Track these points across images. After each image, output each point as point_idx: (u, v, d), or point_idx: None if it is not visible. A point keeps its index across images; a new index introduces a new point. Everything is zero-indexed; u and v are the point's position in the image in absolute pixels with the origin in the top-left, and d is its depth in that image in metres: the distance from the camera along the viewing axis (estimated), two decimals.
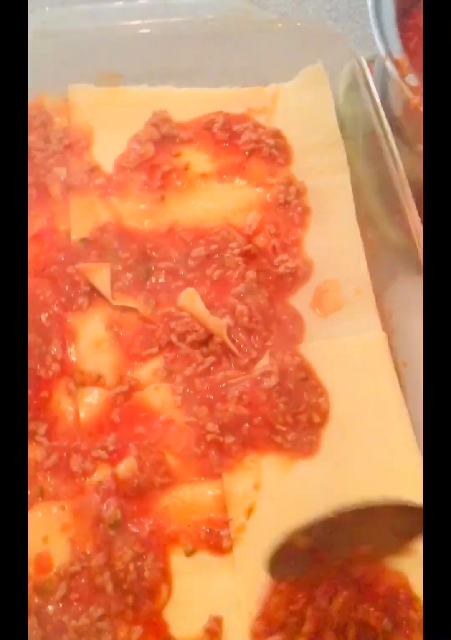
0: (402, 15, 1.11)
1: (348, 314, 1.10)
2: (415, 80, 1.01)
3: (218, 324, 1.04)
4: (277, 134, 1.24)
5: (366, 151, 1.20)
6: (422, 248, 1.03)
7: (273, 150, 1.23)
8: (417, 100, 0.99)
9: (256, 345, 1.06)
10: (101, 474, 0.96)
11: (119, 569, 0.89)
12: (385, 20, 1.07)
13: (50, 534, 0.92)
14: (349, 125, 1.25)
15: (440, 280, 0.74)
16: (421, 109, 0.99)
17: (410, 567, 0.90)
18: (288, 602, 0.87)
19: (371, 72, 1.22)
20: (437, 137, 0.76)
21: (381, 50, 1.04)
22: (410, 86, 1.01)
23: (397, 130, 1.13)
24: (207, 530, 0.93)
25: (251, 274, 1.10)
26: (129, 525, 0.92)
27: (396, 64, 1.03)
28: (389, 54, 1.03)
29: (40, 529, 0.92)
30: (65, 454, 0.97)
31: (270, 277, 1.12)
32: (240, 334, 1.06)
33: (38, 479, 0.95)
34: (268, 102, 1.29)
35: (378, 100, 1.15)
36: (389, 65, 1.02)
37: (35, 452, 0.97)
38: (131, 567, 0.89)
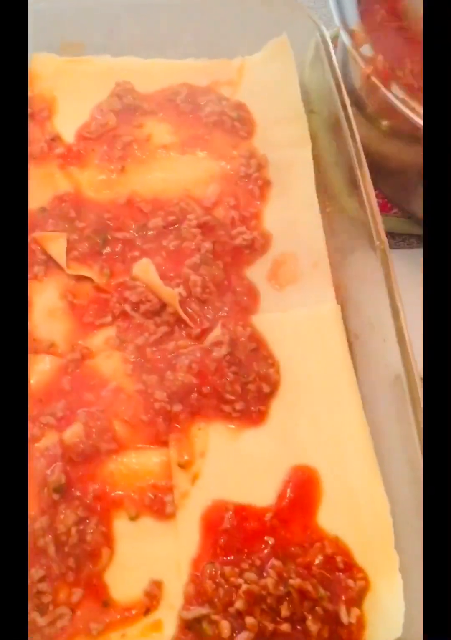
0: None
1: (304, 287, 1.11)
2: (369, 50, 1.01)
3: (170, 294, 1.05)
4: (240, 107, 1.24)
5: (328, 125, 1.19)
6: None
7: (235, 123, 1.23)
8: (369, 70, 0.99)
9: (208, 316, 1.06)
10: (48, 440, 0.96)
11: (61, 532, 0.90)
12: None
13: None
14: (314, 99, 1.25)
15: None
16: (373, 79, 0.99)
17: (352, 534, 0.92)
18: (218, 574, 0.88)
19: (336, 46, 1.22)
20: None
21: (337, 20, 1.03)
22: (363, 56, 1.00)
23: (356, 103, 1.13)
24: (152, 496, 0.94)
25: (206, 245, 1.10)
26: (73, 490, 0.93)
27: (352, 34, 1.02)
28: (344, 24, 1.03)
29: None
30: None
31: (227, 249, 1.12)
32: (193, 305, 1.06)
33: None
34: (234, 75, 1.29)
35: (338, 73, 1.14)
36: (343, 35, 1.02)
37: None
38: (73, 530, 0.90)
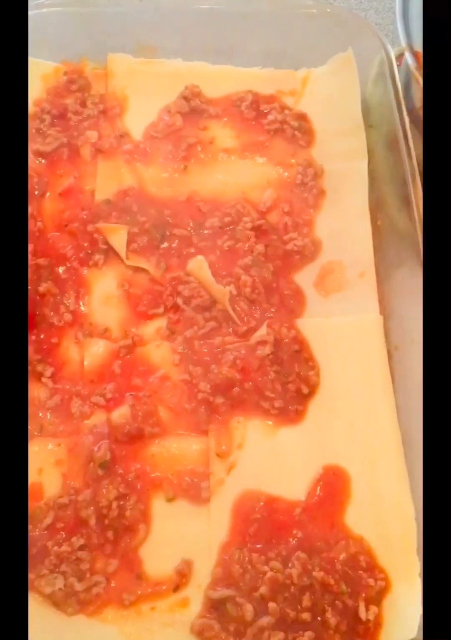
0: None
1: (349, 296, 1.15)
2: None
3: (221, 291, 1.10)
4: (302, 117, 1.29)
5: (386, 140, 1.23)
6: (422, 240, 1.06)
7: (296, 132, 1.27)
8: None
9: (256, 316, 1.11)
10: (97, 418, 1.03)
11: (103, 505, 0.96)
12: (411, 13, 1.10)
13: (45, 467, 1.00)
14: (374, 114, 1.28)
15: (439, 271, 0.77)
16: None
17: (376, 536, 0.95)
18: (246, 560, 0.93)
19: (401, 65, 1.25)
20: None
21: (403, 40, 1.06)
22: None
23: (415, 121, 1.16)
24: (189, 480, 0.99)
25: (259, 248, 1.15)
26: (117, 467, 0.99)
27: (416, 55, 1.05)
28: (409, 45, 1.06)
29: (36, 462, 1.00)
30: (66, 397, 1.05)
31: (278, 253, 1.17)
32: (242, 304, 1.11)
33: (39, 416, 1.03)
34: (298, 85, 1.33)
35: (400, 91, 1.17)
36: (408, 55, 1.05)
37: (39, 392, 1.05)
38: (114, 505, 0.96)
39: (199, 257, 1.14)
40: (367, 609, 0.90)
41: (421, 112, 1.16)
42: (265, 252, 1.15)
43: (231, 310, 1.10)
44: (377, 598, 0.93)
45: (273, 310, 1.12)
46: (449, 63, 0.81)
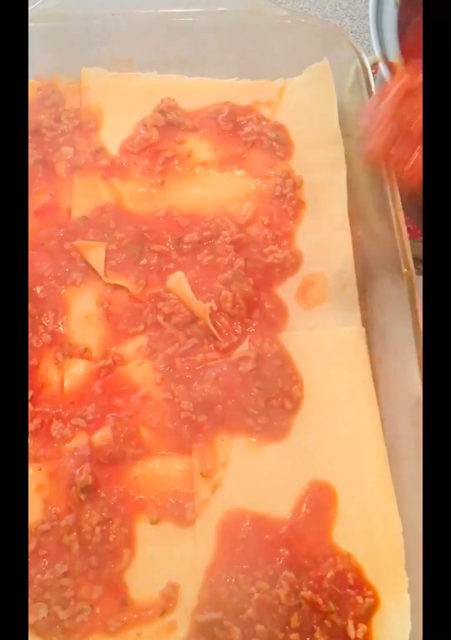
0: (418, 12, 1.12)
1: (331, 308, 1.13)
2: None
3: (201, 307, 1.09)
4: (279, 128, 1.28)
5: None
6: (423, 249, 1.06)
7: (273, 143, 1.26)
8: None
9: (237, 331, 1.10)
10: (78, 441, 1.01)
11: (85, 530, 0.94)
12: (385, 22, 1.09)
13: None
14: (351, 123, 1.27)
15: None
16: None
17: (364, 552, 0.94)
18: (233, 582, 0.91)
19: (377, 73, 1.24)
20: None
21: (376, 51, 1.06)
22: None
23: None
24: (173, 502, 0.98)
25: (239, 262, 1.14)
26: (99, 491, 0.98)
27: (390, 66, 1.05)
28: (383, 55, 1.05)
29: None
30: (47, 420, 1.03)
31: (259, 266, 1.15)
32: (223, 319, 1.10)
33: None
34: (275, 96, 1.32)
35: None
36: (382, 67, 1.05)
37: None
38: (97, 530, 0.94)
39: (179, 273, 1.13)
40: (356, 628, 0.89)
41: None
42: (245, 266, 1.14)
43: (212, 327, 1.08)
44: (366, 615, 0.91)
45: (254, 324, 1.11)
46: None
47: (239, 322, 1.10)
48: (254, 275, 1.14)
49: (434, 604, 0.69)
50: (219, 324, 1.10)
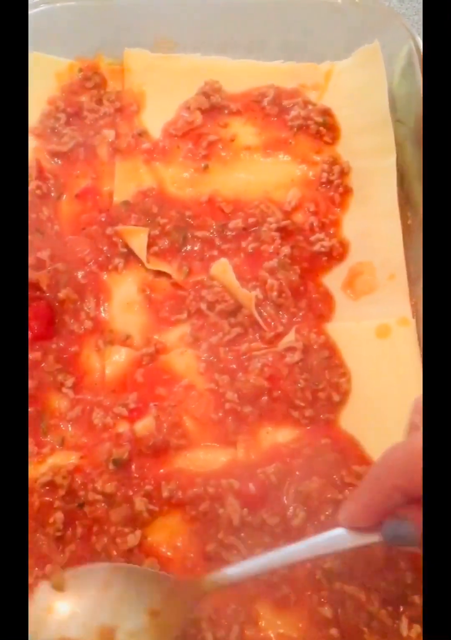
0: None
1: (380, 298, 1.10)
2: None
3: (247, 296, 1.06)
4: (326, 112, 1.24)
5: (415, 135, 1.18)
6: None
7: (320, 128, 1.23)
8: None
9: (283, 321, 1.06)
10: (121, 429, 0.98)
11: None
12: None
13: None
14: (402, 108, 1.23)
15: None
16: None
17: None
18: None
19: None
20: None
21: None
22: None
23: None
24: None
25: (285, 250, 1.11)
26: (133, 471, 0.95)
27: None
28: None
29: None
30: (88, 408, 1.01)
31: (305, 255, 1.12)
32: (268, 308, 1.07)
33: (60, 428, 0.99)
34: (321, 80, 1.29)
35: None
36: None
37: (60, 402, 1.01)
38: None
39: (223, 260, 1.10)
40: None
41: None
42: (291, 254, 1.11)
43: (258, 316, 1.05)
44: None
45: (300, 314, 1.07)
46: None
47: (284, 312, 1.07)
48: (300, 264, 1.11)
49: (434, 604, 0.66)
50: (264, 313, 1.07)
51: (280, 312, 1.07)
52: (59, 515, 0.91)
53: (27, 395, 0.97)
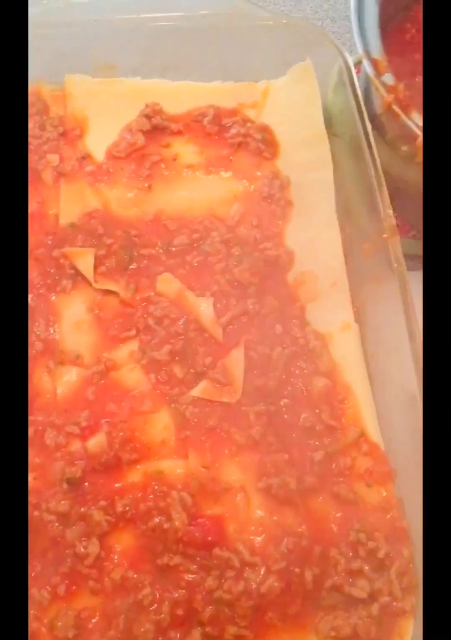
0: (400, 9, 1.12)
1: (323, 305, 1.14)
2: (391, 79, 1.04)
3: (195, 302, 1.09)
4: (265, 129, 1.28)
5: (350, 148, 1.22)
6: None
7: (260, 145, 1.26)
8: (390, 98, 1.02)
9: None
10: (73, 448, 1.00)
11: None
12: (367, 19, 1.10)
13: None
14: (336, 123, 1.28)
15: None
16: (394, 107, 1.02)
17: None
18: None
19: (359, 73, 1.25)
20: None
21: (359, 48, 1.06)
22: (385, 85, 1.03)
23: (378, 128, 1.16)
24: None
25: (235, 251, 1.14)
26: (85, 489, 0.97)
27: (374, 63, 1.05)
28: (367, 52, 1.06)
29: None
30: (40, 428, 1.02)
31: (257, 262, 1.14)
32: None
33: None
34: (259, 98, 1.32)
35: (361, 98, 1.17)
36: (366, 63, 1.05)
37: None
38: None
39: (167, 274, 1.12)
40: None
41: (382, 119, 1.16)
42: (241, 258, 1.14)
43: (208, 321, 1.08)
44: None
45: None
46: None
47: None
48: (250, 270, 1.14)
49: (434, 604, 0.69)
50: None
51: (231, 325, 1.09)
52: None
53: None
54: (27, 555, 0.82)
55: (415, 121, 1.05)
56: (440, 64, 0.82)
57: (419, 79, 1.10)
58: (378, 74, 1.05)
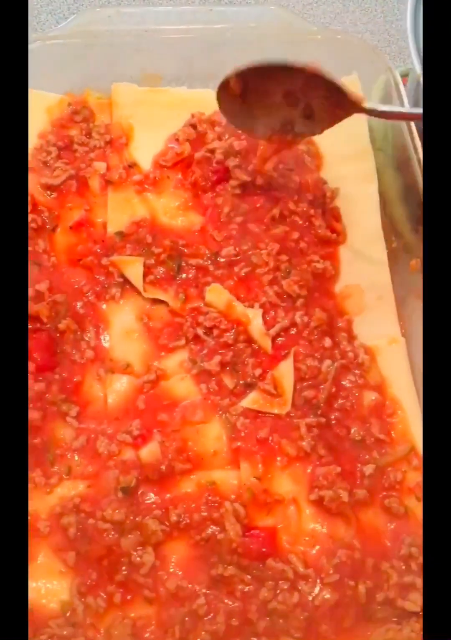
0: None
1: (369, 319, 1.15)
2: None
3: (244, 313, 1.10)
4: (310, 141, 1.29)
5: (395, 162, 1.24)
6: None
7: (305, 156, 1.27)
8: None
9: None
10: (126, 456, 1.00)
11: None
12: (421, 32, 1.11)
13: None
14: (380, 137, 1.29)
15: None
16: None
17: None
18: None
19: (405, 85, 1.26)
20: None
21: (417, 67, 1.07)
22: None
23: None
24: None
25: (283, 258, 1.15)
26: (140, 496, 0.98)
27: None
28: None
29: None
30: (93, 436, 1.02)
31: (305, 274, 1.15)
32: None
33: (66, 458, 1.01)
34: None
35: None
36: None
37: (65, 432, 1.03)
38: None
39: (216, 285, 1.13)
40: None
41: None
42: (288, 270, 1.15)
43: (258, 333, 1.09)
44: None
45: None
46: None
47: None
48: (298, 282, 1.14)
49: (434, 604, 0.69)
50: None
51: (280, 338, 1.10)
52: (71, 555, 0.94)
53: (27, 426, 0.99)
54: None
55: None
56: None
57: None
58: None
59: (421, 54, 1.08)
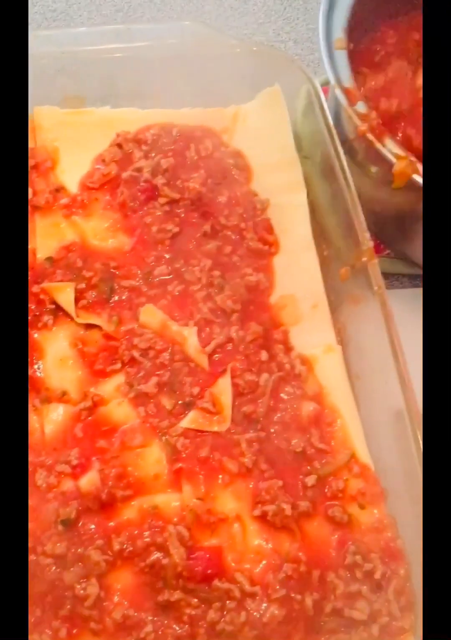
0: (368, 31, 1.14)
1: (306, 328, 1.15)
2: (363, 107, 1.06)
3: (179, 332, 1.09)
4: (238, 154, 1.29)
5: (322, 171, 1.24)
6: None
7: (233, 170, 1.27)
8: (365, 127, 1.04)
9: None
10: (65, 487, 0.99)
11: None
12: (336, 50, 1.12)
13: None
14: (307, 146, 1.30)
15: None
16: (368, 135, 1.04)
17: None
18: None
19: (327, 94, 1.27)
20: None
21: (331, 79, 1.08)
22: (357, 113, 1.05)
23: (349, 151, 1.18)
24: None
25: (216, 273, 1.15)
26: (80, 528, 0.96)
27: (346, 92, 1.07)
28: (339, 82, 1.08)
29: None
30: (31, 470, 1.00)
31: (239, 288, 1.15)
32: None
33: None
34: (229, 123, 1.33)
35: (331, 123, 1.19)
36: (339, 93, 1.07)
37: None
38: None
39: (149, 306, 1.12)
40: None
41: (354, 143, 1.18)
42: (222, 286, 1.14)
43: (194, 351, 1.08)
44: None
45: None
46: None
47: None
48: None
49: (434, 604, 0.70)
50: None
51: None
52: None
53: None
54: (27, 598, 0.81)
55: (389, 148, 1.07)
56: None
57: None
58: (351, 103, 1.07)
59: (333, 66, 1.09)
